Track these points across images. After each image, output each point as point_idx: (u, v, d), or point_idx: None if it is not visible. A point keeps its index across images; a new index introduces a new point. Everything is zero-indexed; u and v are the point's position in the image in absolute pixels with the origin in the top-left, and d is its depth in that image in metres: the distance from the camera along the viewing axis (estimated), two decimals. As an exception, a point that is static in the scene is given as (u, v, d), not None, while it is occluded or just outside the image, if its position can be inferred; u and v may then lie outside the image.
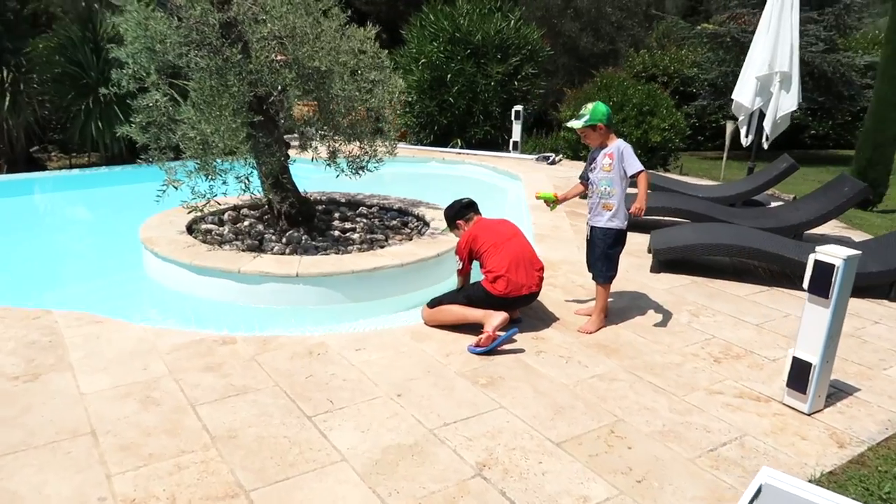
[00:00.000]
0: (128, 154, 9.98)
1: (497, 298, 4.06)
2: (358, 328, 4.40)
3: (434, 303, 4.24)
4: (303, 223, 5.83)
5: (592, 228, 4.25)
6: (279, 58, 5.02)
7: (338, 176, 5.83)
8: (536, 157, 11.04)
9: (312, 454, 2.85)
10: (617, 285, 4.55)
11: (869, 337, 4.33)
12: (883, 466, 2.90)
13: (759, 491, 2.14)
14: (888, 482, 2.78)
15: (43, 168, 10.27)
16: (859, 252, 3.19)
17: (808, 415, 3.32)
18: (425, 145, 12.07)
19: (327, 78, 5.14)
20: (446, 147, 11.89)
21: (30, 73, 9.92)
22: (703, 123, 15.31)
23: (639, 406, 3.34)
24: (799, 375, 3.29)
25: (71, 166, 10.20)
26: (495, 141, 12.21)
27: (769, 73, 7.83)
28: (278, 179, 5.40)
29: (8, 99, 9.53)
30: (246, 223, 6.08)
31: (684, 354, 3.95)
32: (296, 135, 5.68)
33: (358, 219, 6.44)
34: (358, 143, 5.73)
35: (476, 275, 4.36)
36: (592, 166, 4.20)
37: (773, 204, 8.26)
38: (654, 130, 10.29)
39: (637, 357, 3.88)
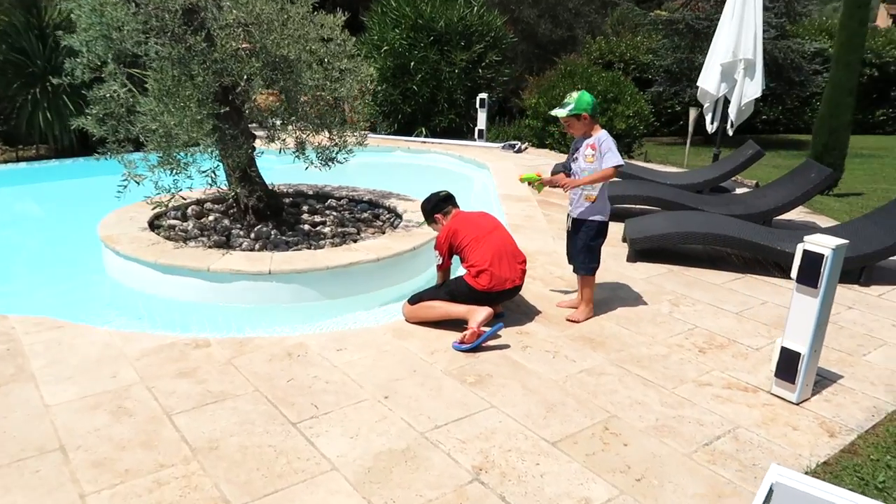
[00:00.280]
0: (79, 146, 9.54)
1: (481, 293, 3.97)
2: (336, 327, 4.27)
3: (415, 299, 4.12)
4: (271, 217, 5.63)
5: (574, 220, 4.18)
6: (244, 46, 4.81)
7: (307, 168, 5.64)
8: (502, 145, 10.97)
9: (301, 464, 2.72)
10: (595, 276, 4.50)
11: (845, 322, 4.39)
12: (874, 455, 2.92)
13: (770, 490, 2.11)
14: (881, 471, 2.79)
15: (-14, 161, 9.75)
16: (847, 241, 3.20)
17: (797, 404, 3.32)
18: (389, 134, 11.88)
19: (295, 67, 4.95)
20: (411, 136, 11.73)
21: (-31, 62, 9.38)
22: (660, 109, 15.47)
23: (630, 401, 3.30)
24: (787, 365, 3.30)
25: (18, 159, 9.70)
26: (460, 129, 12.09)
27: (733, 60, 7.89)
28: (246, 172, 5.20)
29: (-54, 89, 9.01)
30: (211, 218, 5.85)
31: (669, 345, 3.93)
32: (267, 126, 5.46)
33: (327, 212, 6.27)
34: (327, 134, 5.55)
35: (456, 269, 4.26)
36: (574, 156, 4.12)
37: (738, 190, 8.37)
38: (618, 118, 10.32)
39: (623, 349, 3.84)
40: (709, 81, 8.14)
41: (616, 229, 6.09)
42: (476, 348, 3.74)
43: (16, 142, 10.27)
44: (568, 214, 4.27)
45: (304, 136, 5.55)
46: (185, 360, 3.54)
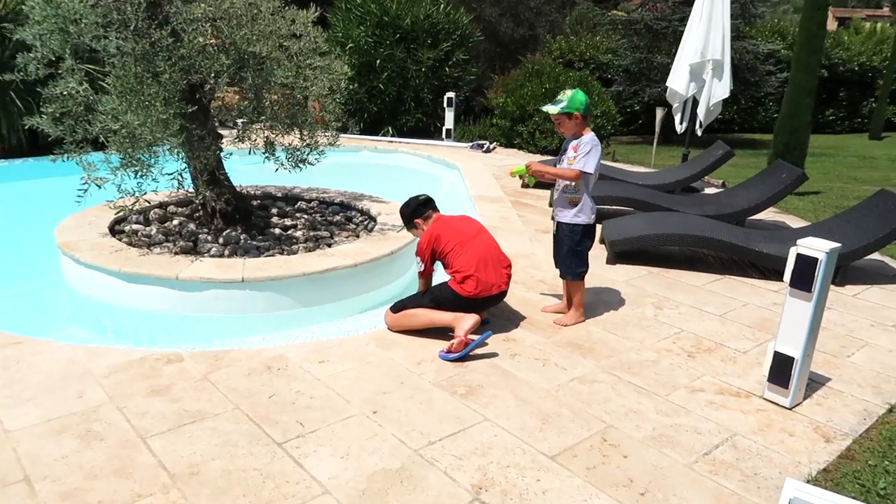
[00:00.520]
0: (29, 146, 9.09)
1: (467, 299, 3.85)
2: (316, 336, 4.09)
3: (398, 307, 3.98)
4: (240, 221, 5.41)
5: (559, 224, 4.09)
6: (210, 41, 4.59)
7: (276, 170, 5.43)
8: (471, 144, 10.88)
9: (290, 488, 2.56)
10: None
11: (826, 323, 4.40)
12: (872, 460, 2.90)
13: (790, 506, 2.05)
14: (881, 477, 2.77)
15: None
16: (839, 245, 3.18)
17: (790, 409, 3.30)
18: (355, 133, 11.66)
19: (265, 64, 4.74)
20: (377, 135, 11.53)
21: None
22: (619, 109, 15.62)
23: (625, 409, 3.22)
24: (780, 370, 3.26)
25: (-39, 160, 9.19)
26: (427, 128, 11.96)
27: (702, 60, 7.95)
28: (214, 175, 4.97)
29: None
30: (175, 222, 5.59)
31: (658, 350, 3.87)
32: (229, 125, 5.24)
33: (298, 214, 6.07)
34: (298, 134, 5.35)
35: (439, 276, 4.13)
36: (561, 157, 4.03)
37: (707, 190, 8.45)
38: (586, 117, 10.30)
39: (613, 356, 3.77)
40: (678, 82, 8.18)
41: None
42: (464, 357, 3.62)
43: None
44: (552, 217, 4.18)
45: (273, 136, 5.35)
46: (158, 377, 3.33)
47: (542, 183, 8.05)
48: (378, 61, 11.24)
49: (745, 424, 3.15)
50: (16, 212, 7.18)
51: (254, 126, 5.19)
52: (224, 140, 5.21)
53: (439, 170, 9.72)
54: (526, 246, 5.75)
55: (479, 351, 3.70)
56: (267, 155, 5.31)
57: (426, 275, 4.09)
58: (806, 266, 3.11)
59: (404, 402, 3.19)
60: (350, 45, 11.34)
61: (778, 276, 5.19)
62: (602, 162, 9.04)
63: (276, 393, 3.23)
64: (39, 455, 2.68)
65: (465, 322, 3.69)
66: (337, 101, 5.62)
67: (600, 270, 5.20)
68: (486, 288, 3.88)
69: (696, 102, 8.36)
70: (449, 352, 3.63)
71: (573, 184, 3.95)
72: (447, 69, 11.77)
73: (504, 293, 4.01)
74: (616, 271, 5.21)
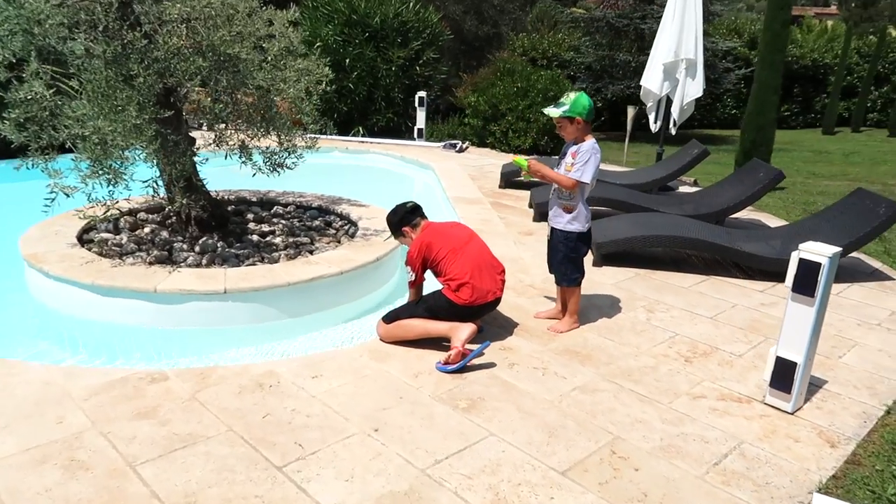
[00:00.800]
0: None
1: (462, 307, 3.76)
2: (304, 348, 3.97)
3: (391, 317, 3.86)
4: (216, 228, 5.21)
5: (553, 230, 4.02)
6: (184, 42, 4.39)
7: (254, 175, 5.25)
8: (443, 144, 10.77)
9: (295, 516, 2.43)
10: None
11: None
12: (878, 465, 2.90)
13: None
14: (890, 483, 2.77)
15: None
16: (840, 248, 3.17)
17: (791, 414, 3.29)
18: (325, 134, 11.44)
19: (241, 66, 4.56)
20: (347, 135, 11.34)
21: None
22: None
23: (630, 419, 3.17)
24: (783, 375, 3.25)
25: None
26: (398, 128, 11.81)
27: (675, 59, 7.99)
28: (191, 181, 4.77)
29: None
30: (147, 230, 5.36)
31: (655, 356, 3.84)
32: (196, 127, 5.04)
33: (275, 220, 5.89)
34: (275, 138, 5.18)
35: (430, 284, 4.02)
36: (560, 161, 3.95)
37: (682, 188, 8.51)
38: (560, 116, 10.30)
39: (611, 363, 3.72)
40: (651, 81, 8.21)
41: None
42: (462, 369, 3.52)
43: None
44: (548, 222, 4.11)
45: (249, 139, 5.16)
46: (142, 398, 3.16)
47: (523, 183, 8.08)
48: (347, 60, 11.05)
49: (751, 431, 3.12)
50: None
51: (227, 130, 5.01)
52: (198, 144, 5.01)
53: (413, 170, 9.60)
54: (511, 249, 5.68)
55: (476, 361, 3.61)
56: (244, 159, 5.13)
57: (417, 284, 3.98)
58: (808, 271, 3.09)
59: (405, 418, 3.08)
60: (318, 44, 11.09)
61: (763, 276, 5.22)
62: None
63: (271, 412, 3.09)
64: (20, 489, 2.50)
65: (461, 332, 3.60)
66: (314, 103, 5.47)
67: (588, 273, 5.12)
68: (482, 295, 3.79)
69: (669, 101, 8.40)
70: (446, 363, 3.53)
71: (569, 191, 3.87)
72: (418, 68, 11.64)
73: (499, 300, 3.93)
74: (604, 273, 5.17)
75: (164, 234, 5.24)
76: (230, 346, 4.01)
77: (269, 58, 4.61)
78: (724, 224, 6.33)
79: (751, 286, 5.06)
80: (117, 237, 5.13)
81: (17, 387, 3.20)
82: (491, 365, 3.62)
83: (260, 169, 5.23)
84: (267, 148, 5.20)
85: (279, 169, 5.35)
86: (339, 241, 5.42)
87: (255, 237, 5.33)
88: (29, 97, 4.19)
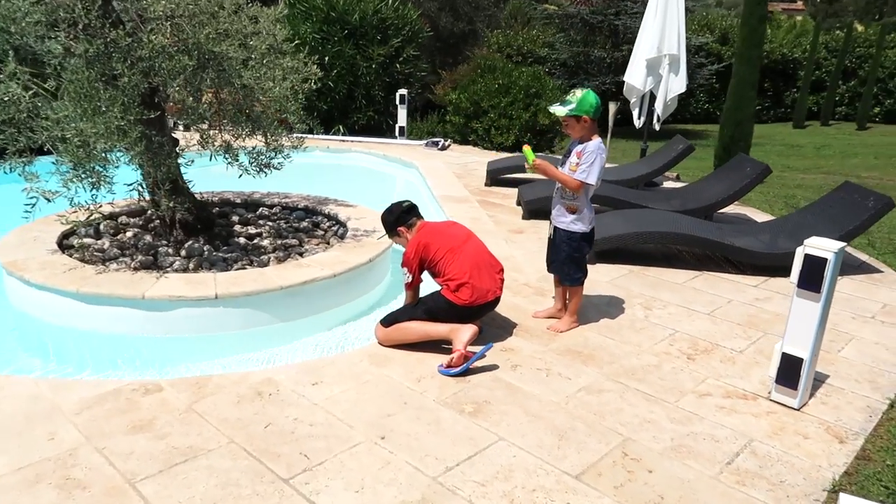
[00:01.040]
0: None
1: (462, 308, 3.69)
2: (299, 353, 3.87)
3: (389, 320, 3.77)
4: (202, 231, 5.08)
5: (556, 229, 3.96)
6: (168, 40, 4.25)
7: (241, 176, 5.12)
8: (425, 142, 10.69)
9: (306, 531, 2.34)
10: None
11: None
12: (888, 460, 2.90)
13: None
14: (903, 477, 2.76)
15: None
16: (845, 244, 3.17)
17: (798, 409, 3.28)
18: (305, 133, 11.28)
19: (227, 65, 4.44)
20: (328, 134, 11.19)
21: None
22: None
23: (638, 419, 3.13)
24: (789, 371, 3.24)
25: None
26: (379, 126, 11.69)
27: (658, 55, 8.00)
28: (177, 183, 4.63)
29: None
30: (129, 234, 5.21)
31: (657, 354, 3.81)
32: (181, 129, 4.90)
33: (261, 221, 5.76)
34: (263, 138, 5.06)
35: (427, 285, 3.95)
36: (564, 160, 3.89)
37: (665, 183, 8.53)
38: (542, 113, 10.28)
39: (614, 362, 3.68)
40: (635, 77, 8.22)
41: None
42: (465, 372, 3.45)
43: None
44: (550, 220, 4.05)
45: (233, 139, 5.03)
46: (137, 410, 3.03)
47: (510, 181, 8.02)
48: (327, 58, 10.89)
49: (759, 429, 3.11)
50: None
51: (210, 130, 4.87)
52: (182, 145, 4.87)
53: (397, 169, 9.50)
54: (502, 248, 5.62)
55: (478, 363, 3.54)
56: (230, 160, 5.00)
57: (414, 286, 3.90)
58: (815, 266, 3.08)
59: (411, 425, 3.00)
60: (297, 41, 10.93)
61: (754, 271, 5.24)
62: (557, 157, 8.99)
63: (272, 422, 2.99)
64: (14, 511, 2.38)
65: (462, 334, 3.53)
66: (300, 102, 5.37)
67: (582, 271, 5.12)
68: (482, 295, 3.73)
69: (653, 97, 8.42)
70: (449, 366, 3.46)
71: (572, 192, 3.82)
72: (398, 66, 11.53)
73: (498, 299, 3.87)
74: (598, 271, 5.13)
75: (148, 238, 5.10)
76: (223, 353, 3.90)
77: (256, 56, 4.49)
78: (712, 219, 6.35)
79: (744, 281, 5.07)
80: (99, 242, 4.97)
81: (3, 402, 3.06)
82: (493, 367, 3.56)
83: (246, 170, 5.11)
84: (254, 148, 5.08)
85: (266, 170, 5.23)
86: (328, 243, 5.32)
87: (241, 240, 5.20)
88: (6, 98, 4.03)
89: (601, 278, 4.99)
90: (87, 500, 2.45)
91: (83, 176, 3.97)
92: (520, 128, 10.30)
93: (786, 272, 5.17)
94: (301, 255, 4.95)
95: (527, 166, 3.82)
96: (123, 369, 3.66)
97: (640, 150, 8.88)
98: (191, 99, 5.15)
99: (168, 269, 4.48)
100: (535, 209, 6.57)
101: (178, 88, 4.61)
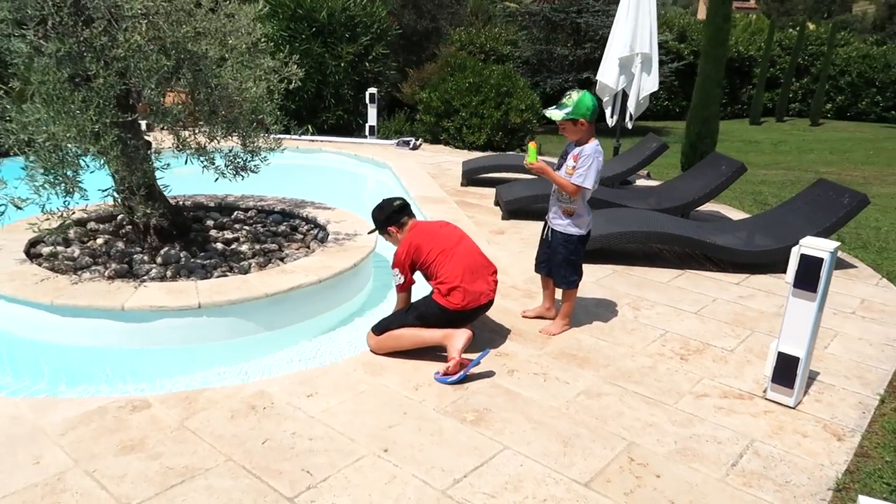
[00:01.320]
0: None
1: (454, 313, 3.63)
2: (289, 363, 3.77)
3: (381, 327, 3.69)
4: (177, 237, 4.91)
5: (552, 231, 3.93)
6: (144, 39, 4.08)
7: (217, 179, 4.96)
8: (396, 141, 10.58)
9: (318, 553, 2.26)
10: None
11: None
12: (887, 456, 2.94)
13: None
14: (902, 473, 2.81)
15: None
16: (838, 243, 3.20)
17: (794, 408, 3.31)
18: (288, 134, 11.06)
19: (204, 65, 4.29)
20: (297, 134, 10.98)
21: None
22: None
23: (641, 423, 3.12)
24: (785, 370, 3.27)
25: None
26: (349, 126, 11.53)
27: (630, 54, 8.06)
28: (153, 188, 4.46)
29: None
30: (100, 241, 5.00)
31: (651, 355, 3.81)
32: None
33: (237, 226, 5.61)
34: (237, 140, 4.91)
35: (420, 287, 3.88)
36: (560, 162, 3.86)
37: (638, 181, 8.61)
38: (513, 112, 10.27)
39: (609, 364, 3.67)
40: (607, 76, 8.26)
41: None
42: (463, 379, 3.40)
43: None
44: (545, 222, 4.02)
45: (208, 141, 4.88)
46: (126, 430, 2.90)
47: (486, 181, 7.97)
48: (295, 56, 10.67)
49: (759, 429, 3.12)
50: None
51: (184, 131, 4.71)
52: (155, 147, 4.69)
53: (369, 169, 9.38)
54: (485, 250, 5.51)
55: (475, 370, 3.49)
56: (205, 164, 4.84)
57: (406, 287, 3.81)
58: (810, 266, 3.11)
59: (414, 436, 2.94)
60: (264, 39, 10.71)
61: (734, 269, 5.30)
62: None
63: (270, 437, 2.88)
64: (2, 544, 2.24)
65: (456, 341, 3.47)
66: (276, 102, 5.25)
67: (567, 272, 5.11)
68: (474, 298, 3.67)
69: (625, 96, 8.48)
70: (446, 374, 3.40)
71: (569, 195, 3.79)
72: (367, 64, 11.38)
73: (492, 301, 3.82)
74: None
75: (120, 245, 4.91)
76: (208, 365, 3.77)
77: (235, 55, 4.35)
78: (689, 217, 6.42)
79: (726, 279, 5.13)
80: (68, 250, 4.76)
81: (-20, 424, 2.89)
82: (490, 373, 3.51)
83: (223, 173, 4.96)
84: (230, 150, 4.93)
85: (242, 173, 5.09)
86: (308, 247, 5.20)
87: (219, 245, 5.05)
88: (-31, 101, 3.82)
89: (586, 279, 4.95)
90: (81, 528, 2.32)
91: (56, 182, 3.79)
92: (491, 126, 10.28)
93: (766, 269, 5.31)
94: (282, 260, 4.82)
95: (525, 163, 3.78)
96: (106, 385, 3.50)
97: (613, 149, 8.94)
98: (164, 100, 4.99)
99: (145, 278, 4.31)
100: (515, 209, 6.55)
101: (156, 90, 4.45)
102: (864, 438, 3.09)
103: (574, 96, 3.68)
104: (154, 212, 4.49)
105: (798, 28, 23.87)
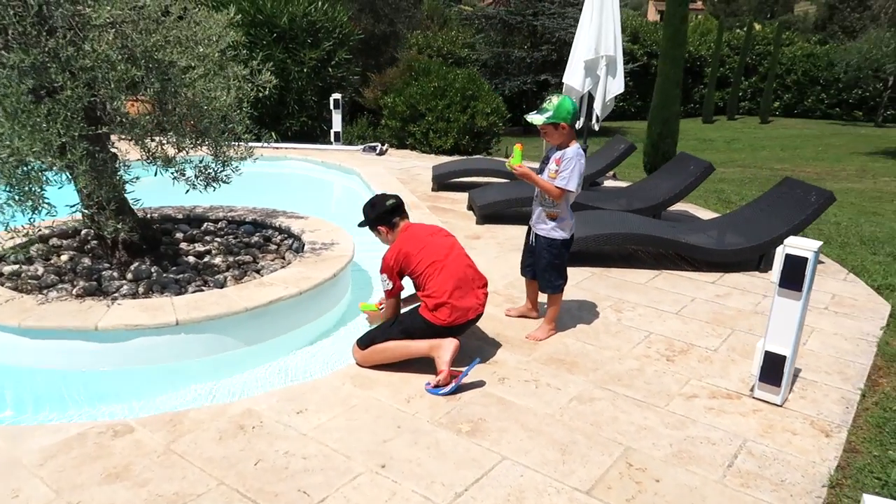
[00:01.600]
0: None
1: (440, 328, 3.56)
2: (273, 379, 3.67)
3: (365, 341, 3.62)
4: (147, 252, 4.75)
5: (536, 236, 3.92)
6: (112, 48, 3.94)
7: (188, 191, 4.83)
8: (363, 147, 10.48)
9: (323, 578, 2.19)
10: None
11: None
12: (874, 451, 3.01)
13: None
14: (891, 467, 2.87)
15: None
16: (821, 243, 3.27)
17: (781, 406, 3.36)
18: (259, 142, 10.85)
19: (173, 74, 4.17)
20: (259, 141, 10.79)
21: None
22: None
23: (635, 427, 3.13)
24: (772, 369, 3.32)
25: None
26: (313, 132, 11.38)
27: (595, 56, 8.13)
28: (123, 202, 4.31)
29: None
30: (64, 258, 4.82)
31: (637, 357, 3.83)
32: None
33: (208, 238, 5.47)
34: (211, 150, 4.78)
35: (409, 290, 3.82)
36: (542, 167, 3.85)
37: (606, 183, 8.70)
38: (479, 115, 10.28)
39: (598, 368, 3.67)
40: (573, 78, 8.32)
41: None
42: (455, 390, 3.35)
43: None
44: (529, 226, 4.01)
45: (176, 152, 4.74)
46: (109, 456, 2.77)
47: (456, 185, 7.94)
48: (268, 64, 10.49)
49: (750, 428, 3.16)
50: None
51: (152, 141, 4.57)
52: (122, 159, 4.54)
53: (337, 176, 9.25)
54: (463, 255, 5.53)
55: (465, 379, 3.45)
56: (175, 175, 4.70)
57: (395, 293, 3.73)
58: (795, 265, 3.16)
59: (410, 450, 2.88)
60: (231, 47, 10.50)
61: (708, 268, 5.38)
62: (499, 159, 8.96)
63: (262, 458, 2.80)
64: (-14, 586, 2.11)
65: (444, 352, 3.42)
66: (245, 111, 5.15)
67: (546, 276, 5.12)
68: (462, 314, 3.60)
69: (591, 98, 8.56)
70: (437, 386, 3.35)
71: (552, 199, 3.79)
72: (330, 69, 11.25)
73: (480, 315, 3.77)
74: (561, 275, 5.14)
75: (86, 261, 4.73)
76: (188, 383, 3.64)
77: (208, 64, 4.23)
78: (660, 217, 6.50)
79: (701, 278, 5.20)
80: (31, 268, 4.56)
81: (-50, 457, 2.73)
82: (481, 383, 3.48)
83: (193, 185, 4.82)
84: (201, 161, 4.81)
85: (214, 183, 4.95)
86: (283, 258, 5.09)
87: (191, 259, 4.91)
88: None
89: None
90: (71, 565, 2.20)
91: (21, 199, 3.62)
92: (458, 130, 10.27)
93: (739, 267, 5.40)
94: (259, 272, 4.71)
95: (508, 165, 3.75)
96: (84, 409, 3.36)
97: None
98: (127, 108, 4.82)
99: (116, 295, 4.16)
100: (488, 214, 6.54)
101: (126, 101, 4.28)
102: (850, 434, 3.15)
103: (554, 100, 3.69)
104: (124, 226, 4.34)
105: (745, 28, 24.56)
